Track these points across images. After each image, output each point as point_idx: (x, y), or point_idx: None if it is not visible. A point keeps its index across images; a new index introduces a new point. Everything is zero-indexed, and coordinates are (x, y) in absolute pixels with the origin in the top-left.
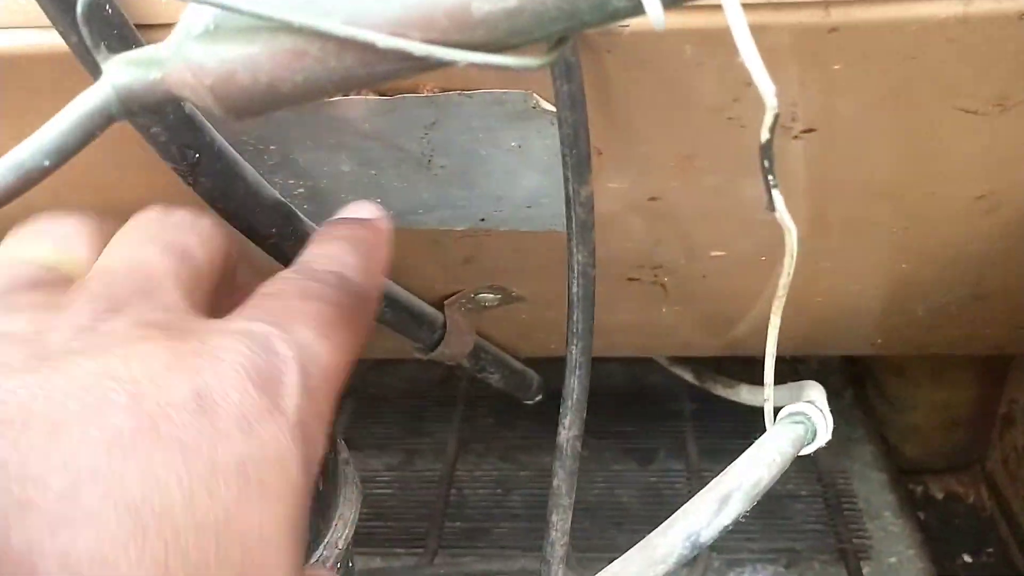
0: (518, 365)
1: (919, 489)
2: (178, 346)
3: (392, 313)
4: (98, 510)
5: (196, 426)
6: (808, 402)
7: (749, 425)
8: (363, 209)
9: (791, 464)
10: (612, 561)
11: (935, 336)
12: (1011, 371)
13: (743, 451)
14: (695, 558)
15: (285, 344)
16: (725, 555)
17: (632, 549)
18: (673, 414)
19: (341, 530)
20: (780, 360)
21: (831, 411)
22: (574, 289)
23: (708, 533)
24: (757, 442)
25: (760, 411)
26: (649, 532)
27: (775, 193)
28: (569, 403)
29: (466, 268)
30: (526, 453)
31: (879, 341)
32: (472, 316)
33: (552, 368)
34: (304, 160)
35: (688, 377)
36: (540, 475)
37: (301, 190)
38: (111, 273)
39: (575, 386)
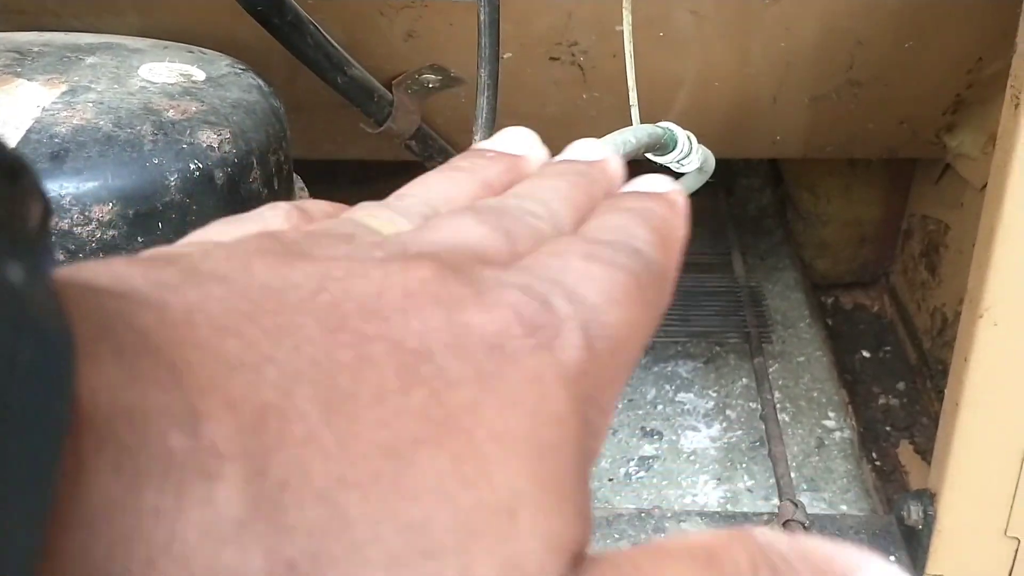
0: None
1: (830, 301)
2: (446, 273)
3: (347, 82)
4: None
5: (438, 337)
6: (686, 134)
7: None
8: (655, 182)
9: (719, 282)
10: None
11: (827, 134)
12: (912, 189)
13: None
14: None
15: (565, 301)
16: (653, 352)
17: None
18: None
19: None
20: (714, 189)
21: (767, 252)
22: (482, 16)
23: None
24: (622, 129)
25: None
26: None
27: None
28: (480, 120)
29: (408, 45)
30: None
31: (778, 138)
32: (418, 98)
33: None
34: None
35: None
36: None
37: None
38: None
39: (484, 105)
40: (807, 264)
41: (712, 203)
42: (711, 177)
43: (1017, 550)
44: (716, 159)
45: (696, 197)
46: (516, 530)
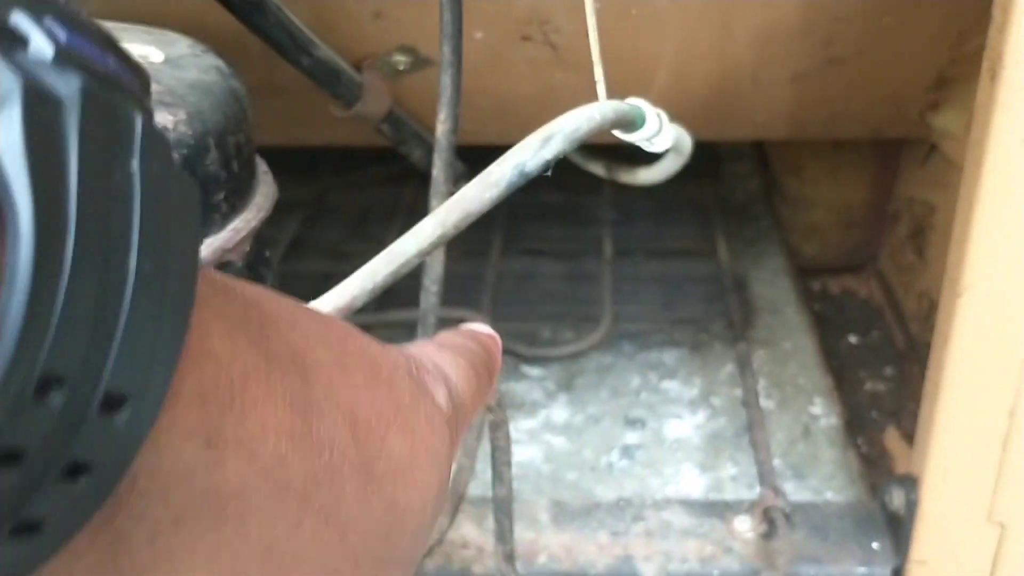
0: None
1: (818, 286)
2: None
3: (313, 64)
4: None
5: (387, 379)
6: (656, 111)
7: (657, 229)
8: (480, 327)
9: (704, 269)
10: (525, 322)
11: (809, 114)
12: (899, 171)
13: (650, 248)
14: (606, 334)
15: (432, 364)
16: (638, 340)
17: (473, 179)
18: (594, 221)
19: (254, 212)
20: (698, 176)
21: (755, 238)
22: None
23: (532, 164)
24: (587, 105)
25: (666, 212)
26: (563, 307)
27: None
28: (444, 99)
29: (376, 25)
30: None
31: (760, 119)
32: (388, 80)
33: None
34: None
35: (600, 170)
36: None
37: None
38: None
39: (448, 83)
40: (794, 249)
41: (697, 189)
42: (692, 160)
43: (1002, 535)
44: (699, 142)
45: (680, 184)
46: (414, 476)
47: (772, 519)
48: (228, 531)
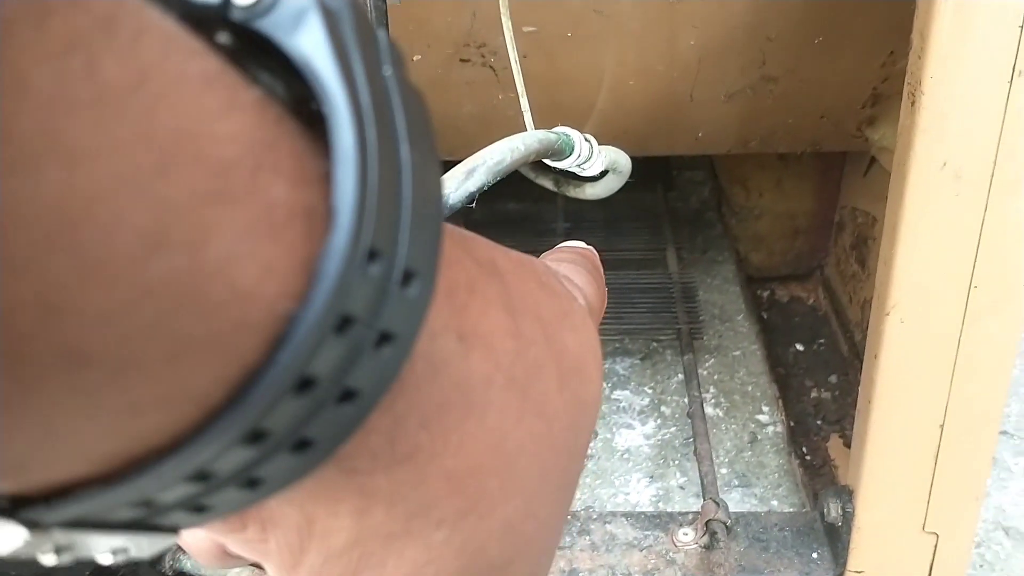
0: None
1: (766, 294)
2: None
3: None
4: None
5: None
6: (584, 137)
7: (609, 239)
8: (575, 243)
9: (656, 278)
10: None
11: (748, 129)
12: (843, 182)
13: (602, 258)
14: None
15: (562, 273)
16: None
17: None
18: (548, 231)
19: None
20: (652, 185)
21: (708, 245)
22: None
23: (456, 196)
24: (512, 136)
25: (619, 221)
26: None
27: None
28: None
29: None
30: None
31: (701, 135)
32: None
33: None
34: None
35: (549, 185)
36: None
37: None
38: None
39: None
40: (742, 258)
41: (650, 199)
42: (644, 169)
43: (936, 545)
44: (647, 157)
45: (633, 193)
46: (588, 371)
47: (713, 531)
48: (473, 423)
